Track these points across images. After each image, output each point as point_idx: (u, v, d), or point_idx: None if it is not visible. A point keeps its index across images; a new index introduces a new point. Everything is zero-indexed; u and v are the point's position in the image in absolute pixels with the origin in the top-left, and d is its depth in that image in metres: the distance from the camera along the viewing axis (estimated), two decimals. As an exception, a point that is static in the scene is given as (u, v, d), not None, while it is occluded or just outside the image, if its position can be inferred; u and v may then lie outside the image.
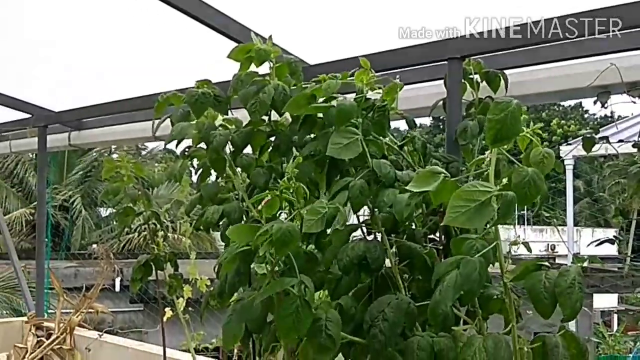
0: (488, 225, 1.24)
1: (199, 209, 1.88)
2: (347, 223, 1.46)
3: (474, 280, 1.08)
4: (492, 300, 1.31)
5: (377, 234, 1.49)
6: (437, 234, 1.76)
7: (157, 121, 2.45)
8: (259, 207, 1.35)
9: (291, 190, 1.35)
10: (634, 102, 2.06)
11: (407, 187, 1.25)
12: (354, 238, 1.45)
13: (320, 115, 1.53)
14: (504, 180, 1.13)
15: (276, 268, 1.33)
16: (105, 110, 4.10)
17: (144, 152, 19.12)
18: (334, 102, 1.44)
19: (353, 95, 1.58)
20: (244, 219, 1.64)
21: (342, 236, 1.42)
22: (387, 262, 1.48)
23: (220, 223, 1.79)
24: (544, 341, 1.17)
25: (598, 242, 2.30)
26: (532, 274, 1.13)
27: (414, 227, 1.68)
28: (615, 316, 10.03)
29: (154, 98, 1.90)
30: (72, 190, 16.21)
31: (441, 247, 1.70)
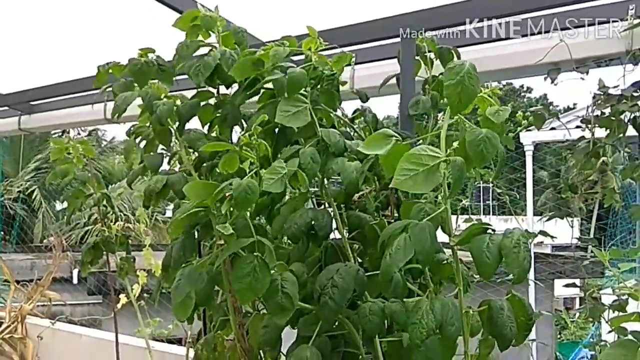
0: (441, 194, 1.22)
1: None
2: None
3: (424, 240, 1.07)
4: (443, 265, 1.30)
5: (327, 205, 1.47)
6: (389, 210, 1.75)
7: (109, 103, 2.37)
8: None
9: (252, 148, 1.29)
10: (583, 79, 2.08)
11: (358, 149, 1.22)
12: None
13: (268, 85, 1.49)
14: (455, 144, 1.12)
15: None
16: (56, 91, 3.95)
17: (104, 143, 18.69)
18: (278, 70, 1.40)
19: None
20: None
21: (291, 206, 1.39)
22: (338, 235, 1.46)
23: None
24: (489, 305, 1.17)
25: (547, 218, 2.33)
26: (477, 237, 1.12)
27: (365, 202, 1.67)
28: (577, 302, 10.27)
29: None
30: (29, 182, 15.74)
31: (393, 221, 1.69)
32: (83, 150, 2.75)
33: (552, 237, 2.01)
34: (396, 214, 1.72)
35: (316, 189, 1.53)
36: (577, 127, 2.55)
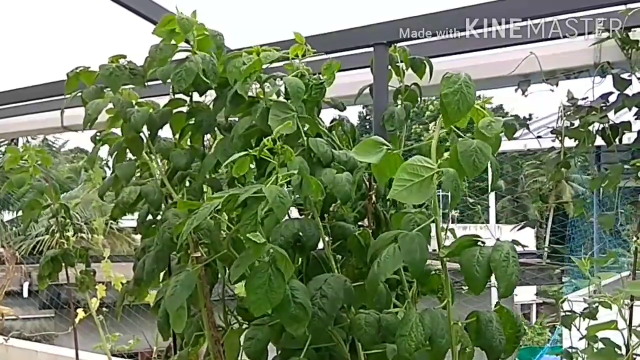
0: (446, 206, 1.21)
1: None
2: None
3: (414, 251, 1.05)
4: (431, 276, 1.28)
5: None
6: (367, 220, 1.73)
7: (66, 110, 2.27)
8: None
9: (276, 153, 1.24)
10: (552, 91, 2.11)
11: (351, 153, 1.19)
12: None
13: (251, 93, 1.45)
14: (446, 155, 1.11)
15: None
16: (9, 98, 3.80)
17: (54, 149, 18.14)
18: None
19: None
20: (164, 202, 1.54)
21: (275, 217, 1.35)
22: (319, 245, 1.43)
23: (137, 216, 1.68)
24: (477, 317, 1.16)
25: (519, 227, 2.36)
26: (467, 250, 1.11)
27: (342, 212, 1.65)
28: (534, 309, 10.54)
29: (63, 85, 1.75)
30: (-21, 193, 15.06)
31: (371, 232, 1.67)
32: (39, 159, 2.65)
33: (523, 245, 2.03)
34: (374, 225, 1.71)
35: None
36: (539, 137, 2.60)
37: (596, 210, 4.66)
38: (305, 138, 1.35)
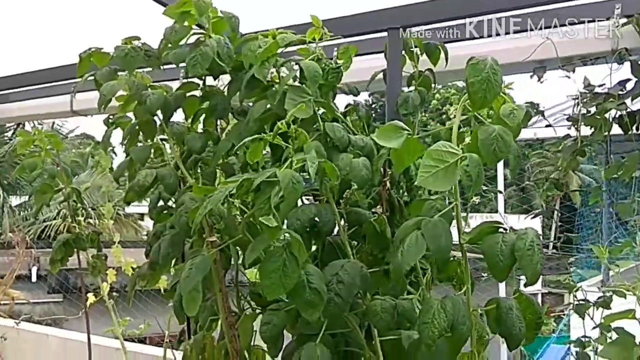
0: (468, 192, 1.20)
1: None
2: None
3: (439, 237, 1.04)
4: (449, 262, 1.27)
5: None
6: (381, 206, 1.72)
7: (77, 94, 2.26)
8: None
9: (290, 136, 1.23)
10: (568, 77, 2.08)
11: (373, 137, 1.18)
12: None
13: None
14: (467, 140, 1.09)
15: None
16: (15, 82, 3.79)
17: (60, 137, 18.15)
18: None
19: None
20: (180, 186, 1.53)
21: (290, 201, 1.34)
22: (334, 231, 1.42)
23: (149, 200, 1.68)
24: (498, 304, 1.15)
25: (533, 215, 2.35)
26: (489, 236, 1.10)
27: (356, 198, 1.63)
28: (540, 298, 10.56)
29: (73, 68, 1.74)
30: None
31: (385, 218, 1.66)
32: (51, 143, 2.65)
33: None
34: (387, 211, 1.69)
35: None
36: (548, 126, 2.57)
37: (606, 199, 4.62)
38: (321, 122, 1.33)
